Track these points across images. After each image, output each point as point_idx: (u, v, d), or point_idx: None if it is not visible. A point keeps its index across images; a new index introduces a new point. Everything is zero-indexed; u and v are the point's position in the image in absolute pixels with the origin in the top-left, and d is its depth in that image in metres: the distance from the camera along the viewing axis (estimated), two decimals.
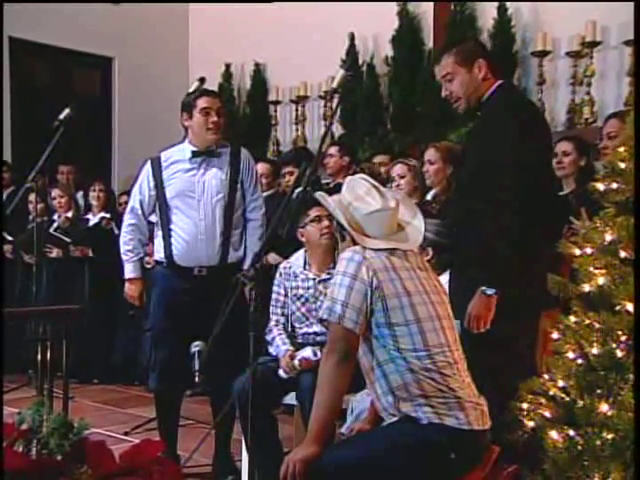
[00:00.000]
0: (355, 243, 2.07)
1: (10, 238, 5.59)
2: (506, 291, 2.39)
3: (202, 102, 3.22)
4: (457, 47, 2.65)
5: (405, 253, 2.07)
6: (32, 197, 5.08)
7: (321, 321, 2.05)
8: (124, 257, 3.37)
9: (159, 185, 3.26)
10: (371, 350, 2.00)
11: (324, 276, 3.08)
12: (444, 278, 2.67)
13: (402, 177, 4.06)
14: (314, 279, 3.10)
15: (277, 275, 3.19)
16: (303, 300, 3.10)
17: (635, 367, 1.94)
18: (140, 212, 3.32)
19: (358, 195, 2.09)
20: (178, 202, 3.23)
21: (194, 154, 3.25)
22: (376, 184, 2.12)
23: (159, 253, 3.30)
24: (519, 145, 2.42)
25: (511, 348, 2.45)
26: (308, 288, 3.09)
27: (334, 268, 3.01)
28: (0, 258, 5.16)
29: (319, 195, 2.20)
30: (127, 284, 3.39)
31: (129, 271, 3.36)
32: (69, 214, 5.63)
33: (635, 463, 1.86)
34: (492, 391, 2.12)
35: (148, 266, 5.16)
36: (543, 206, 2.49)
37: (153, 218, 3.40)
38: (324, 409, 1.96)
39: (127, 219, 3.37)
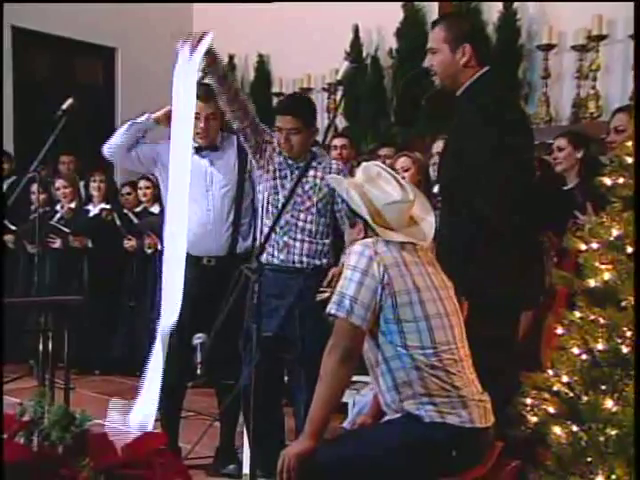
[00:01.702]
0: (366, 231, 2.05)
1: (13, 228, 5.58)
2: (507, 291, 2.36)
3: None
4: (451, 22, 2.57)
5: (415, 248, 2.05)
6: (34, 187, 5.08)
7: (328, 316, 2.00)
8: (132, 126, 3.28)
9: None
10: (377, 345, 1.98)
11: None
12: None
13: (406, 170, 4.04)
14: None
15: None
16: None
17: (636, 363, 1.93)
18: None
19: (377, 184, 2.05)
20: None
21: (196, 150, 3.24)
22: (394, 173, 2.09)
23: None
24: (496, 151, 2.36)
25: (512, 346, 2.43)
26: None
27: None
28: (0, 248, 5.15)
29: (332, 178, 2.18)
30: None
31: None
32: (72, 205, 5.62)
33: (636, 459, 1.85)
34: (493, 388, 2.11)
35: (149, 250, 5.18)
36: (533, 206, 2.44)
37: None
38: (323, 404, 1.95)
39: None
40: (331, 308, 1.96)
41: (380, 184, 2.05)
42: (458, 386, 1.95)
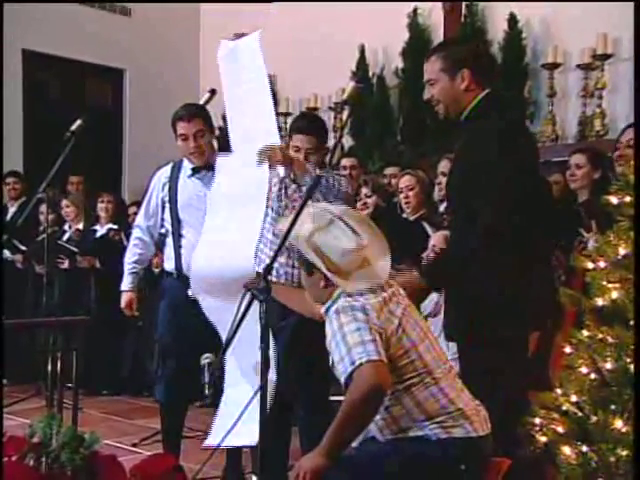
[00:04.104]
0: (327, 279, 2.04)
1: (23, 248, 5.61)
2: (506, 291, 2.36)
3: (179, 128, 3.20)
4: (444, 51, 2.57)
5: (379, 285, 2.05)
6: (43, 208, 5.12)
7: (359, 366, 1.88)
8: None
9: (173, 193, 3.26)
10: None
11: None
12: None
13: (410, 189, 4.06)
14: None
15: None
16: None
17: (635, 380, 1.92)
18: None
19: (330, 231, 2.04)
20: (186, 215, 3.23)
21: (194, 171, 3.25)
22: (345, 218, 2.07)
23: (169, 264, 3.29)
24: (498, 169, 2.34)
25: (513, 349, 2.41)
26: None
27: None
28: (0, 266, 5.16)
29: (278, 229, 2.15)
30: None
31: None
32: (80, 225, 5.65)
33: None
34: (493, 392, 2.12)
35: (156, 270, 5.18)
36: (531, 220, 2.42)
37: (163, 230, 3.39)
38: (344, 434, 1.92)
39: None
40: (361, 358, 1.86)
41: (333, 232, 2.03)
42: (453, 399, 1.97)
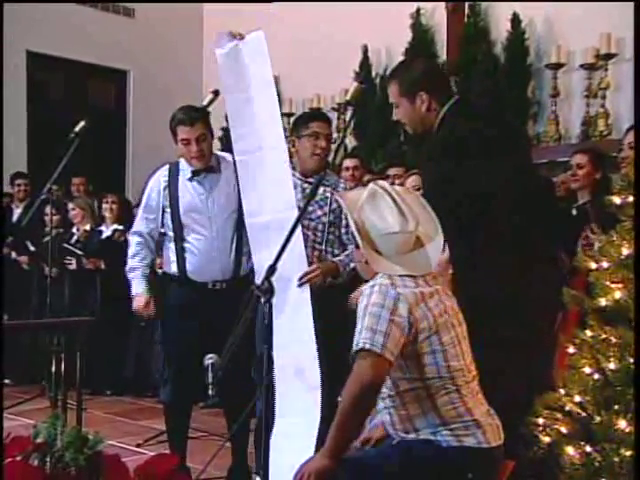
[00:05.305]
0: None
1: (32, 249, 5.62)
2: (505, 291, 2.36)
3: (180, 133, 3.18)
4: (398, 77, 2.60)
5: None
6: (48, 209, 5.13)
7: (360, 351, 1.91)
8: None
9: (174, 197, 3.24)
10: (392, 380, 1.97)
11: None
12: None
13: (417, 189, 4.05)
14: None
15: None
16: None
17: (638, 380, 1.92)
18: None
19: (377, 206, 2.02)
20: (188, 219, 3.21)
21: (193, 173, 3.24)
22: (398, 199, 2.03)
23: (171, 267, 3.29)
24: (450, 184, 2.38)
25: (513, 349, 2.41)
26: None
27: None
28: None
29: (339, 195, 2.20)
30: None
31: None
32: (87, 227, 5.67)
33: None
34: (493, 393, 2.12)
35: (160, 271, 5.18)
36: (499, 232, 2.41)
37: (162, 230, 3.38)
38: (344, 433, 1.93)
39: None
40: (365, 344, 1.88)
41: (380, 207, 2.01)
42: (470, 408, 1.96)
